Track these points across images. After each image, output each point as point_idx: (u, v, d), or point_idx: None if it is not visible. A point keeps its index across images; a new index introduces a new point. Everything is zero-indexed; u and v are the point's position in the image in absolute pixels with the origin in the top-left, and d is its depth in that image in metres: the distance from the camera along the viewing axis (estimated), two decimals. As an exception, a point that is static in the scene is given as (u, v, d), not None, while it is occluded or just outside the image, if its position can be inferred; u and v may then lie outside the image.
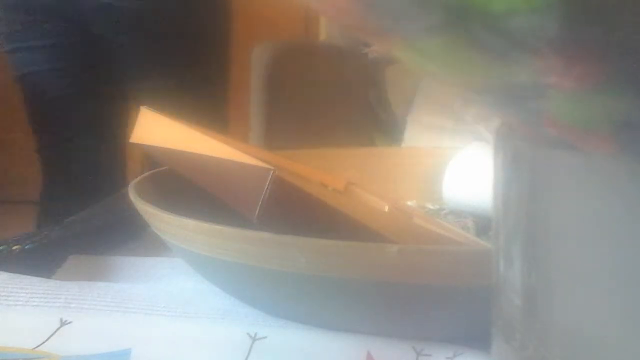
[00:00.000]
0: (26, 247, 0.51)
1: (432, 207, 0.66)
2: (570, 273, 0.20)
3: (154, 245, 0.53)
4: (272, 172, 0.37)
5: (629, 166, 0.19)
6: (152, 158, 0.49)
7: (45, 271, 0.48)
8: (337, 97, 1.51)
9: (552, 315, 0.21)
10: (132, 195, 0.45)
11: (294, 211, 0.40)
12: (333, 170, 0.62)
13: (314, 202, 0.40)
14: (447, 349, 0.37)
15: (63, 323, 0.40)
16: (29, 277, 0.44)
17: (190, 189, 0.45)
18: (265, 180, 0.37)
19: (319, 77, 1.52)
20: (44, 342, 0.38)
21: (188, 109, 0.61)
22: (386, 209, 0.56)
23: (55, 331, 0.39)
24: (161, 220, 0.42)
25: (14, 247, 0.50)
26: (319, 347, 0.37)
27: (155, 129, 0.48)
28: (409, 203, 0.66)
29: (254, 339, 0.38)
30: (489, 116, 1.00)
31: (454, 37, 0.17)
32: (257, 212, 0.37)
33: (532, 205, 0.21)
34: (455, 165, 0.65)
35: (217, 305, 0.43)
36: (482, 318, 0.25)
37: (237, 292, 0.43)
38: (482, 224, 0.60)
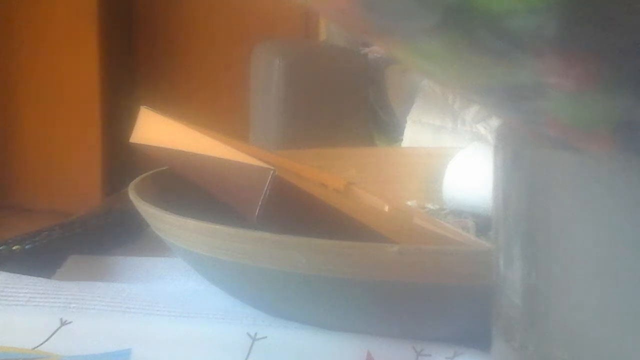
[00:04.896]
0: (26, 247, 0.51)
1: (432, 207, 0.66)
2: (570, 273, 0.20)
3: (154, 245, 0.53)
4: (272, 172, 0.37)
5: (629, 166, 0.19)
6: (152, 158, 0.49)
7: (45, 271, 0.48)
8: (337, 97, 1.51)
9: (552, 315, 0.21)
10: (132, 195, 0.45)
11: (294, 211, 0.40)
12: (333, 170, 0.62)
13: (314, 202, 0.40)
14: (447, 349, 0.37)
15: (63, 323, 0.40)
16: (29, 277, 0.44)
17: (190, 189, 0.45)
18: (265, 180, 0.37)
19: (318, 77, 1.52)
20: (44, 342, 0.38)
21: None
22: (386, 209, 0.56)
23: (55, 331, 0.39)
24: (161, 220, 0.42)
25: (14, 247, 0.50)
26: (319, 347, 0.37)
27: (155, 129, 0.48)
28: (409, 203, 0.66)
29: (254, 339, 0.38)
30: (489, 116, 1.00)
31: (454, 37, 0.17)
32: (257, 212, 0.37)
33: (532, 205, 0.21)
34: (455, 165, 0.65)
35: (217, 305, 0.43)
36: (482, 318, 0.25)
37: (237, 292, 0.43)
38: (482, 224, 0.60)
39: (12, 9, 2.58)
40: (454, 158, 0.65)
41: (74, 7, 2.56)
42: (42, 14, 2.58)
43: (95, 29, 2.58)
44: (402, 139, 1.05)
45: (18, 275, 0.44)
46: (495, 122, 0.94)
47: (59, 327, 0.39)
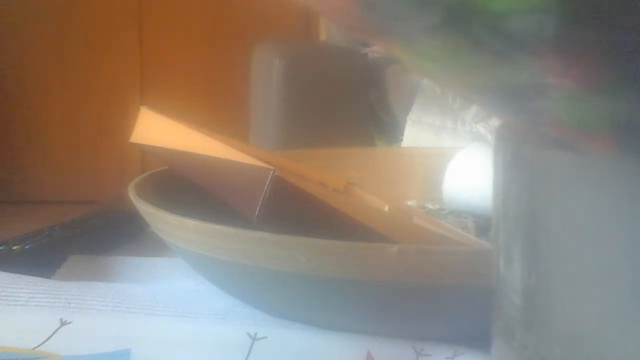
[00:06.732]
0: (26, 247, 0.51)
1: (432, 207, 0.66)
2: (570, 273, 0.20)
3: (154, 245, 0.53)
4: (272, 172, 0.37)
5: (629, 166, 0.19)
6: (152, 158, 0.49)
7: (45, 271, 0.48)
8: (337, 97, 1.51)
9: (552, 315, 0.21)
10: (132, 195, 0.45)
11: (294, 211, 0.40)
12: (333, 170, 0.62)
13: (314, 202, 0.40)
14: (447, 349, 0.37)
15: (63, 323, 0.40)
16: (29, 277, 0.44)
17: (190, 189, 0.45)
18: (265, 180, 0.37)
19: (318, 77, 1.52)
20: (44, 342, 0.38)
21: None
22: (386, 209, 0.56)
23: (55, 331, 0.39)
24: (161, 220, 0.42)
25: (14, 247, 0.50)
26: (319, 347, 0.37)
27: (155, 129, 0.48)
28: (409, 203, 0.66)
29: (254, 339, 0.38)
30: (489, 116, 1.00)
31: (454, 37, 0.17)
32: (257, 212, 0.37)
33: (532, 205, 0.21)
34: (455, 165, 0.65)
35: (217, 305, 0.43)
36: (482, 318, 0.25)
37: (237, 292, 0.43)
38: (482, 224, 0.60)
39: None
40: (454, 158, 0.65)
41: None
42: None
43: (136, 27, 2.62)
44: (402, 139, 1.05)
45: (18, 275, 0.44)
46: (495, 122, 0.94)
47: (59, 327, 0.39)
